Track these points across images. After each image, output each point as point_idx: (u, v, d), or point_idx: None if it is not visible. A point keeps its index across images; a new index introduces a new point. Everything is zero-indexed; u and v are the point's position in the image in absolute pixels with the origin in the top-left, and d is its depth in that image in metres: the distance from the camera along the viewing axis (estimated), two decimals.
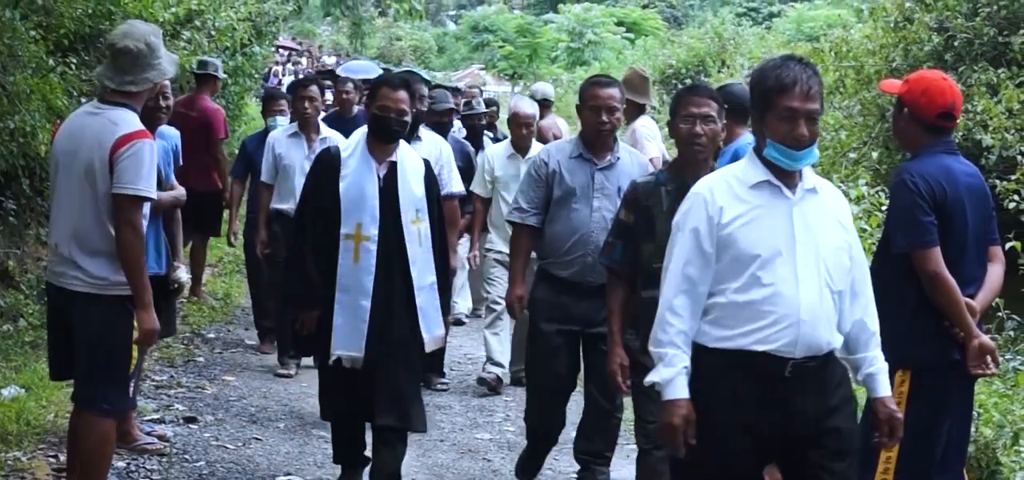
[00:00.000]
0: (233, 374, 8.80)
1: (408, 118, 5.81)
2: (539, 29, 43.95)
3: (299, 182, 8.33)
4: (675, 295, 3.92)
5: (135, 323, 5.28)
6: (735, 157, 6.61)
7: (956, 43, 10.65)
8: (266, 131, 9.49)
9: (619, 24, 41.27)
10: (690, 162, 5.00)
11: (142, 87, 5.25)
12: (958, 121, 5.12)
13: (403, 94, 5.78)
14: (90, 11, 9.92)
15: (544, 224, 6.03)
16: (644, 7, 45.17)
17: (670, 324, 3.91)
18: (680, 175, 4.98)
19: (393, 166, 5.80)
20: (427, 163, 6.02)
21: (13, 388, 7.23)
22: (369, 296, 5.73)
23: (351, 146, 5.87)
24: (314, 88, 8.79)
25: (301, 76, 18.48)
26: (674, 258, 3.96)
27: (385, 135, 5.77)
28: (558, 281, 5.98)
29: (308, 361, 8.30)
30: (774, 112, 3.87)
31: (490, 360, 8.73)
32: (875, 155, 10.98)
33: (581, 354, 6.13)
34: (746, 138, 6.88)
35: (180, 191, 6.66)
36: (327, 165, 5.85)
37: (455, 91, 13.59)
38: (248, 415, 7.70)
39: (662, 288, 3.97)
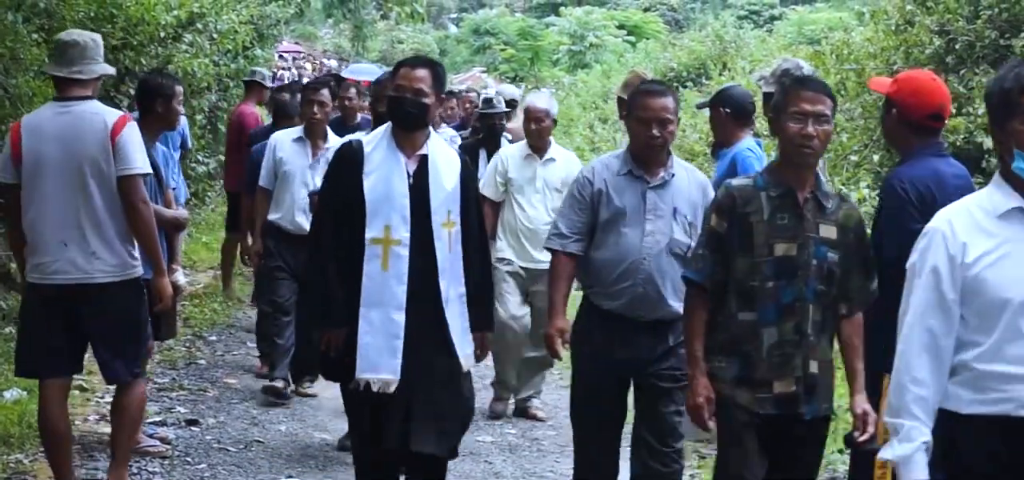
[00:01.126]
0: (235, 377, 8.81)
1: (428, 100, 5.12)
2: (540, 32, 43.93)
3: (298, 191, 7.89)
4: (915, 353, 3.31)
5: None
6: (734, 162, 6.60)
7: (957, 46, 10.64)
8: (272, 125, 9.64)
9: (620, 27, 41.22)
10: (796, 167, 4.37)
11: (89, 77, 5.56)
12: (946, 122, 5.09)
13: (422, 72, 5.14)
14: (92, 14, 9.96)
15: (588, 250, 5.29)
16: (645, 10, 45.16)
17: (907, 389, 3.30)
18: (783, 180, 4.38)
19: (424, 161, 5.16)
20: (463, 159, 5.39)
21: (15, 391, 7.24)
22: (403, 308, 5.07)
23: (375, 139, 5.23)
24: (326, 92, 8.19)
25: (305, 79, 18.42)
26: (912, 307, 3.36)
27: (400, 118, 5.13)
28: (604, 314, 5.23)
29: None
30: (1020, 115, 3.30)
31: (500, 384, 8.23)
32: (876, 157, 10.98)
33: (631, 397, 5.40)
34: (747, 142, 6.86)
35: (181, 213, 6.89)
36: (348, 160, 5.18)
37: (449, 95, 13.06)
38: (250, 417, 7.71)
39: (899, 342, 3.38)
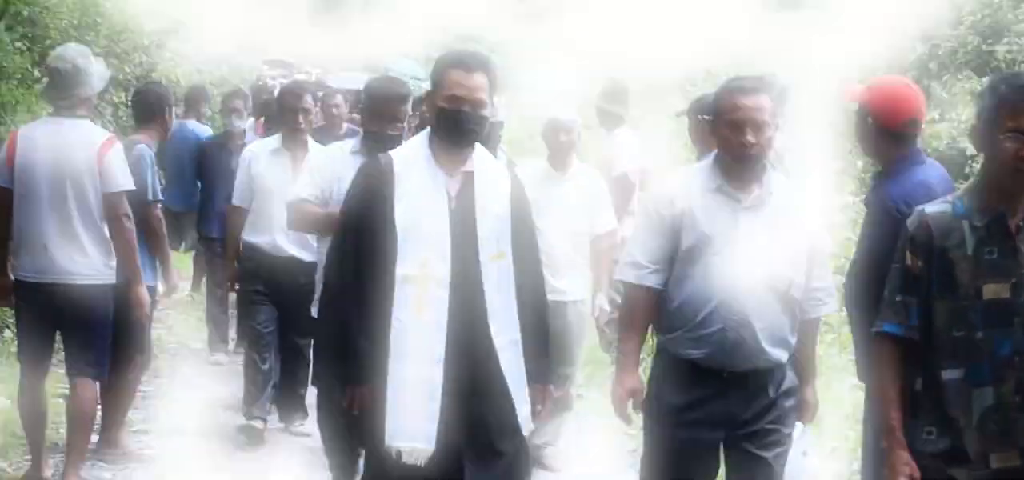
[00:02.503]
0: (221, 384, 8.78)
1: (487, 111, 4.30)
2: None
3: (278, 210, 6.57)
4: None
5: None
6: None
7: (941, 52, 10.71)
8: (224, 134, 9.63)
9: None
10: (1010, 190, 3.58)
11: (75, 101, 5.97)
12: (923, 126, 5.00)
13: (480, 78, 4.26)
14: (75, 22, 9.95)
15: (667, 285, 4.34)
16: None
17: None
18: (990, 204, 3.60)
19: (469, 179, 4.32)
20: (515, 176, 4.57)
21: (0, 399, 7.22)
22: (441, 362, 4.20)
23: (409, 152, 4.38)
24: (309, 99, 7.35)
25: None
26: None
27: (457, 135, 4.27)
28: (687, 366, 4.30)
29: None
30: None
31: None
32: (860, 164, 11.02)
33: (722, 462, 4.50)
34: None
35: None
36: (375, 181, 4.32)
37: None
38: (237, 425, 7.68)
39: None
